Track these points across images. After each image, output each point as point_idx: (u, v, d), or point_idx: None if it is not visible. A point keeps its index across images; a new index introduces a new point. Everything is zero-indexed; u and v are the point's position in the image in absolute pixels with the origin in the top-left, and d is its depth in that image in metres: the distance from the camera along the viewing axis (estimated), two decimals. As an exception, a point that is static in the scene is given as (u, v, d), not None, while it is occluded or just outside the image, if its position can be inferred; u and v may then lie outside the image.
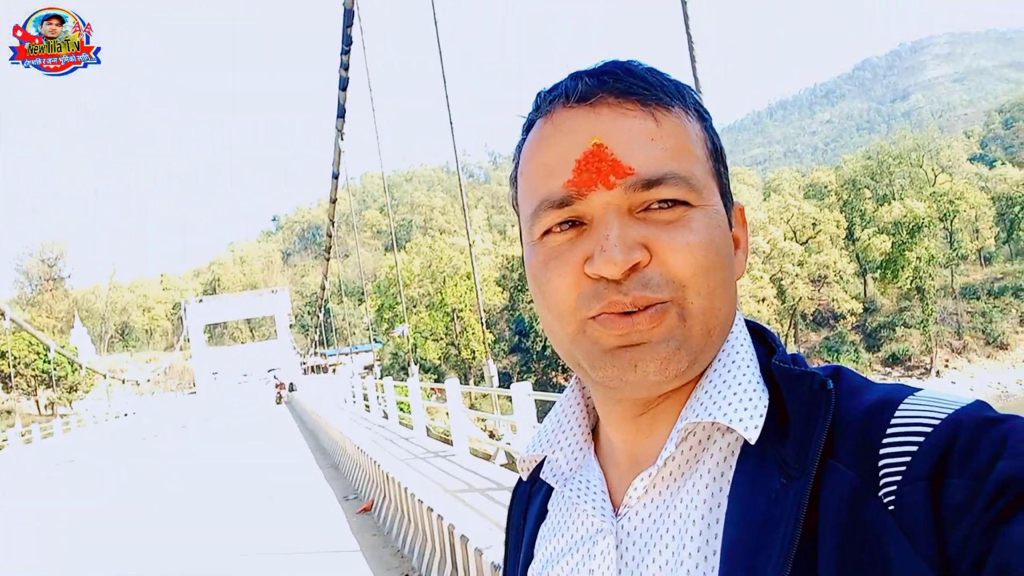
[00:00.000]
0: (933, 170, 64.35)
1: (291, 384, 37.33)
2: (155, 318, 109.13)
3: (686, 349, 0.53)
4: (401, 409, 14.36)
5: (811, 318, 57.61)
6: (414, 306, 58.70)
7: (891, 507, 0.45)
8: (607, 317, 0.53)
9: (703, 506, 0.53)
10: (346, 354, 61.78)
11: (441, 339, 60.21)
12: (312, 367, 62.53)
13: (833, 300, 56.81)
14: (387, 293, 60.68)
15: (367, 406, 18.13)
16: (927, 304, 55.10)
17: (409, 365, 14.38)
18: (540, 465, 0.68)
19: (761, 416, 0.53)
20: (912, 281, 55.59)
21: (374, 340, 45.12)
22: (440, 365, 59.19)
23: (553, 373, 59.86)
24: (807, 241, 57.23)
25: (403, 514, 7.01)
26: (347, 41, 16.37)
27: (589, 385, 0.59)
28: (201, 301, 75.32)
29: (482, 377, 54.40)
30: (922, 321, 54.46)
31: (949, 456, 0.45)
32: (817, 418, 0.50)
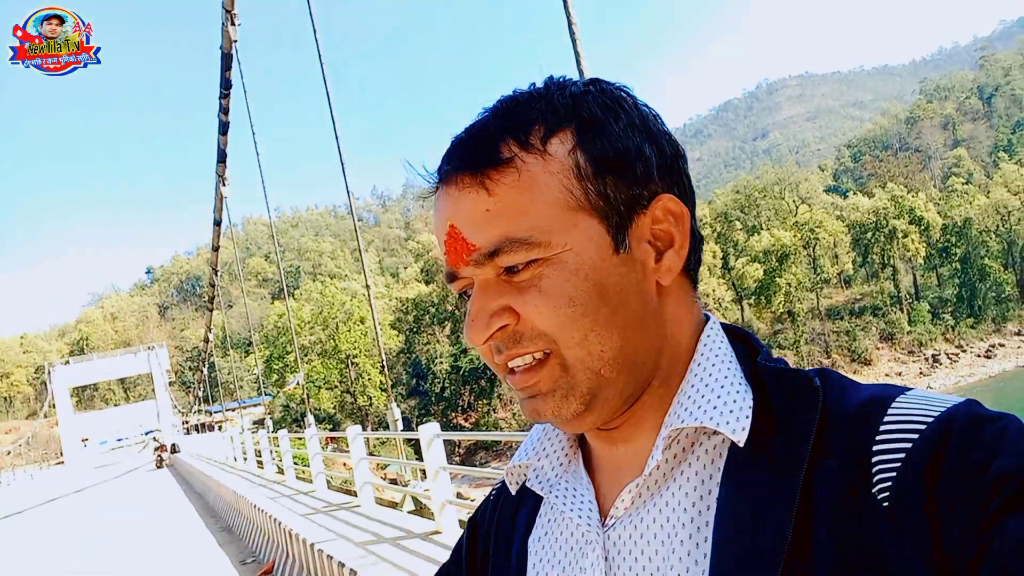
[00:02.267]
0: (794, 201, 69.71)
1: (173, 445, 35.08)
2: (15, 384, 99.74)
3: (574, 395, 0.55)
4: (297, 463, 13.71)
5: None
6: (306, 355, 56.84)
7: (885, 504, 0.45)
8: (507, 373, 0.57)
9: (692, 509, 0.53)
10: (233, 409, 58.72)
11: (335, 387, 58.52)
12: (196, 425, 58.88)
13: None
14: (276, 343, 58.50)
15: (259, 462, 17.26)
16: (798, 326, 59.14)
17: (305, 415, 13.82)
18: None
19: (747, 417, 0.53)
20: (784, 305, 59.53)
21: (263, 393, 43.15)
22: (336, 414, 57.37)
23: (453, 415, 59.34)
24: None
25: (309, 572, 6.66)
26: (225, 85, 15.97)
27: None
28: (67, 363, 69.57)
29: (380, 423, 53.13)
30: (794, 342, 58.29)
31: (944, 454, 0.45)
32: (805, 415, 0.51)
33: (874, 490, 0.46)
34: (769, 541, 0.47)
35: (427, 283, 70.04)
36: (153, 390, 74.69)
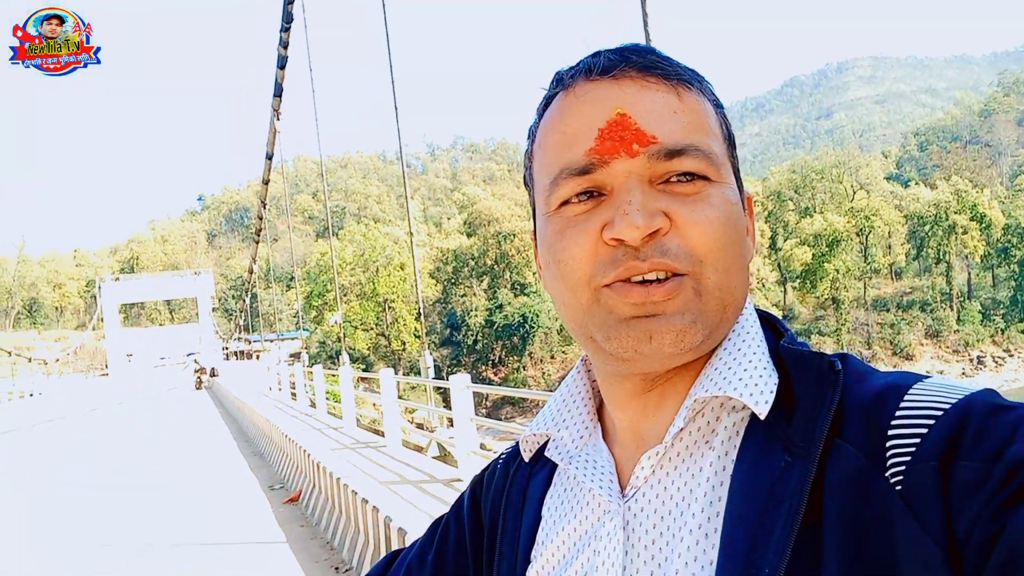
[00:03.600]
0: (852, 186, 67.56)
1: (212, 369, 36.07)
2: (66, 295, 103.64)
3: (701, 323, 0.53)
4: (328, 399, 14.09)
5: (734, 323, 59.43)
6: (344, 295, 57.75)
7: (898, 487, 0.45)
8: (622, 285, 0.53)
9: (706, 484, 0.53)
10: (271, 341, 60.18)
11: (371, 329, 59.43)
12: (235, 352, 60.58)
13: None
14: (317, 280, 59.41)
15: (293, 394, 17.70)
16: (841, 314, 57.83)
17: (341, 353, 14.09)
18: (543, 447, 0.68)
19: (771, 392, 0.53)
20: (829, 292, 58.24)
21: (301, 328, 44.05)
22: (369, 355, 58.36)
23: (483, 367, 59.92)
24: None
25: (334, 505, 6.86)
26: (287, 18, 15.92)
27: (598, 361, 0.60)
28: (118, 279, 71.94)
29: (412, 369, 53.97)
30: (836, 330, 57.15)
31: (959, 439, 0.45)
32: (824, 397, 0.51)
33: (887, 473, 0.46)
34: (780, 519, 0.48)
35: (469, 236, 70.14)
36: (197, 314, 76.90)
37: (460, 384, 6.53)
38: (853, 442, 0.48)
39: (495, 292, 63.32)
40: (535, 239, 0.61)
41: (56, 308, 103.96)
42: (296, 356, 35.58)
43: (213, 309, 75.70)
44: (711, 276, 0.53)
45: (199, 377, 35.51)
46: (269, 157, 22.71)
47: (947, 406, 0.47)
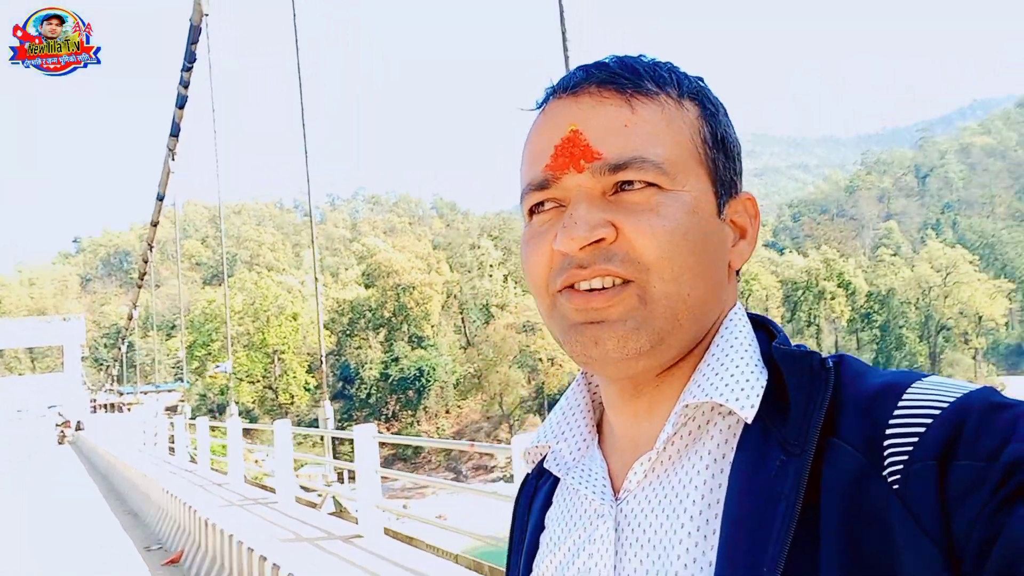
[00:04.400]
0: (735, 252, 71.79)
1: (78, 422, 33.36)
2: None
3: (645, 330, 0.54)
4: (212, 454, 13.35)
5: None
6: (221, 347, 55.25)
7: (895, 486, 0.45)
8: (570, 292, 0.56)
9: (703, 487, 0.54)
10: (145, 392, 56.38)
11: (257, 382, 56.91)
12: (105, 405, 56.20)
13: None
14: (202, 329, 56.60)
15: (172, 448, 16.61)
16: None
17: (229, 405, 13.50)
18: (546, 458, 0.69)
19: (758, 396, 0.54)
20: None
21: (179, 379, 41.65)
22: (254, 409, 55.70)
23: (376, 422, 58.20)
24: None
25: (223, 565, 6.43)
26: (190, 58, 15.59)
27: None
28: (-26, 324, 65.68)
29: (300, 423, 51.84)
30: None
31: (957, 438, 0.45)
32: (816, 395, 0.51)
33: (885, 473, 0.46)
34: (778, 518, 0.48)
35: (367, 287, 69.08)
36: (62, 363, 70.97)
37: (366, 435, 6.37)
38: (850, 441, 0.48)
39: (391, 345, 62.30)
40: None
41: None
42: (173, 409, 33.49)
43: (83, 358, 70.21)
44: (657, 284, 0.54)
45: (62, 431, 32.75)
46: (160, 198, 21.83)
47: (945, 405, 0.47)
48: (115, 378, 58.85)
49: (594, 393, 0.68)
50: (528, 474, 0.74)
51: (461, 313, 70.39)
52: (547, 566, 0.64)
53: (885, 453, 0.47)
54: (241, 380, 55.38)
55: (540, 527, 0.67)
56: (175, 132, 18.15)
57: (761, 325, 0.62)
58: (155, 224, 24.31)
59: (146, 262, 27.91)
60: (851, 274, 66.13)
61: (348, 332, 65.42)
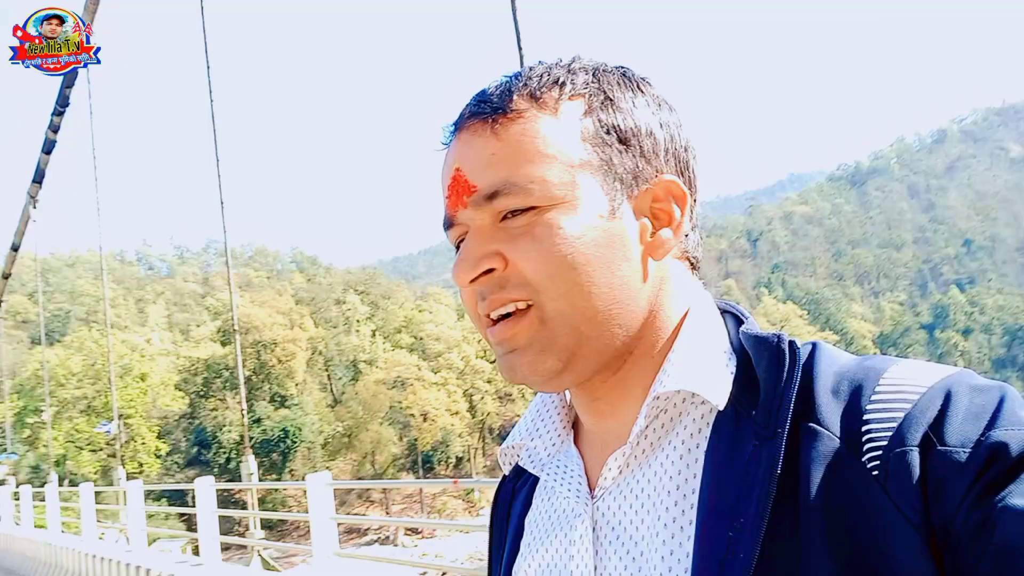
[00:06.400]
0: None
1: None
2: None
3: (551, 351, 0.55)
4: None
5: (498, 431, 61.75)
6: (66, 410, 50.58)
7: (875, 472, 0.45)
8: (490, 325, 0.58)
9: (677, 476, 0.54)
10: (-41, 468, 50.17)
11: (100, 450, 52.19)
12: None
13: (517, 416, 61.86)
14: (32, 394, 51.41)
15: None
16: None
17: (64, 477, 12.82)
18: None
19: (728, 382, 0.54)
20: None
21: (3, 451, 37.50)
22: (97, 480, 50.88)
23: (236, 490, 54.99)
24: (495, 360, 62.49)
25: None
26: (63, 102, 15.10)
27: None
28: None
29: (150, 493, 47.92)
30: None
31: (936, 423, 0.45)
32: (782, 376, 0.51)
33: (864, 458, 0.46)
34: (753, 504, 0.47)
35: (223, 344, 65.74)
36: None
37: (319, 482, 6.57)
38: (827, 425, 0.48)
39: (252, 405, 59.39)
40: None
41: None
42: (2, 483, 30.11)
43: None
44: (549, 304, 0.55)
45: None
46: (15, 248, 20.32)
47: (924, 389, 0.47)
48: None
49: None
50: (504, 476, 0.73)
51: (327, 370, 68.51)
52: (527, 570, 0.63)
53: (864, 438, 0.46)
54: (81, 449, 50.75)
55: (520, 531, 0.67)
56: (39, 178, 17.27)
57: (728, 311, 0.62)
58: (7, 276, 22.46)
59: (-8, 317, 25.41)
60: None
61: (203, 393, 61.69)
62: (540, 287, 0.54)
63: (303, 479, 6.36)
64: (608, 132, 0.58)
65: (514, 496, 0.71)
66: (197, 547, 6.89)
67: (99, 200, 14.21)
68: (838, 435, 0.47)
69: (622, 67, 0.62)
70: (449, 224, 0.60)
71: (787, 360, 0.52)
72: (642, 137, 0.59)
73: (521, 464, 0.67)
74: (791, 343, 0.53)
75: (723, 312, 0.62)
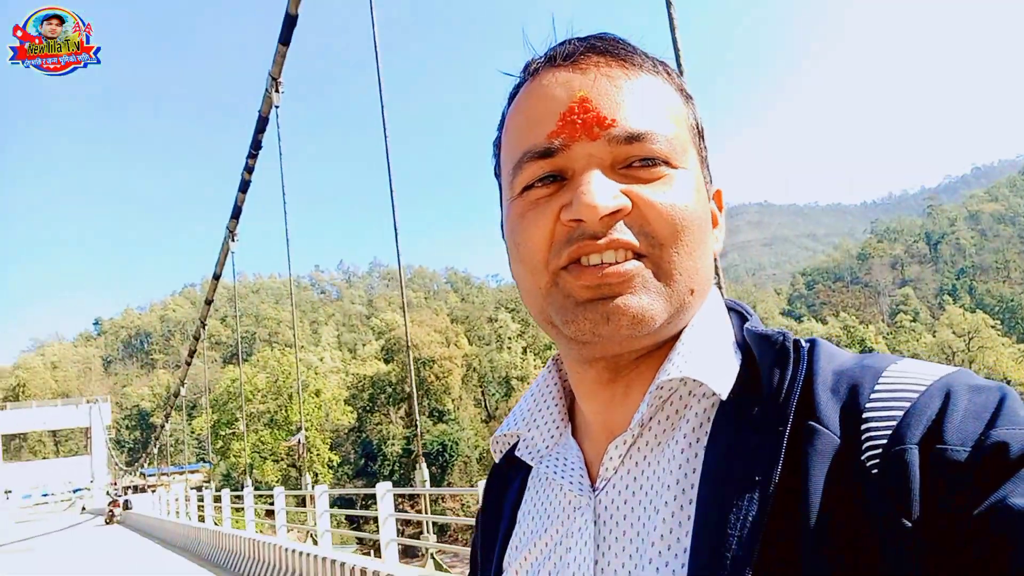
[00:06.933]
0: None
1: (126, 502, 33.63)
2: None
3: (660, 305, 0.53)
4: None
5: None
6: (252, 423, 55.41)
7: (874, 470, 0.45)
8: (577, 267, 0.53)
9: (678, 471, 0.53)
10: (167, 474, 56.34)
11: (281, 460, 56.70)
12: (128, 487, 56.15)
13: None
14: (224, 408, 56.87)
15: (201, 517, 17.27)
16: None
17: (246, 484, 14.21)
18: (515, 446, 0.67)
19: (732, 374, 0.53)
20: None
21: (202, 460, 41.75)
22: (277, 487, 55.37)
23: (400, 500, 57.73)
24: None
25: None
26: (256, 146, 16.79)
27: (562, 348, 0.59)
28: (4, 407, 66.33)
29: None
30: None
31: (936, 422, 0.44)
32: (786, 373, 0.51)
33: (864, 456, 0.45)
34: (753, 500, 0.47)
35: (387, 362, 69.51)
36: (85, 446, 70.90)
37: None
38: (827, 423, 0.48)
39: (412, 420, 62.18)
40: (503, 230, 0.61)
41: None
42: (199, 489, 33.58)
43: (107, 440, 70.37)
44: (671, 259, 0.53)
45: (111, 511, 32.82)
46: (216, 277, 22.90)
47: (923, 388, 0.46)
48: (154, 457, 58.93)
49: (565, 380, 0.66)
50: (496, 464, 0.72)
51: (481, 386, 70.43)
52: (522, 563, 0.62)
53: (863, 436, 0.46)
54: (265, 459, 55.29)
55: (512, 523, 0.65)
56: (236, 215, 19.23)
57: (734, 309, 0.62)
58: (209, 302, 25.39)
59: (197, 339, 28.81)
60: (872, 340, 66.15)
61: (368, 408, 65.46)
62: (666, 240, 0.52)
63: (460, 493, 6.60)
64: (698, 124, 0.59)
65: (506, 486, 0.69)
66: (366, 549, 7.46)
67: (288, 233, 15.33)
68: (838, 433, 0.47)
69: None
70: (548, 154, 0.54)
71: (791, 358, 0.52)
72: (705, 142, 0.60)
73: (518, 455, 0.65)
74: (795, 341, 0.53)
75: (729, 310, 0.61)
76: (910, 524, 0.42)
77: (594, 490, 0.58)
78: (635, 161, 0.53)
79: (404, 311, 9.19)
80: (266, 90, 14.82)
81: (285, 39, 12.74)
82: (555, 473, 0.60)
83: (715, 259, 0.60)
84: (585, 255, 0.52)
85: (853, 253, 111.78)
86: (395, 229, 10.28)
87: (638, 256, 0.52)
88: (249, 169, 17.46)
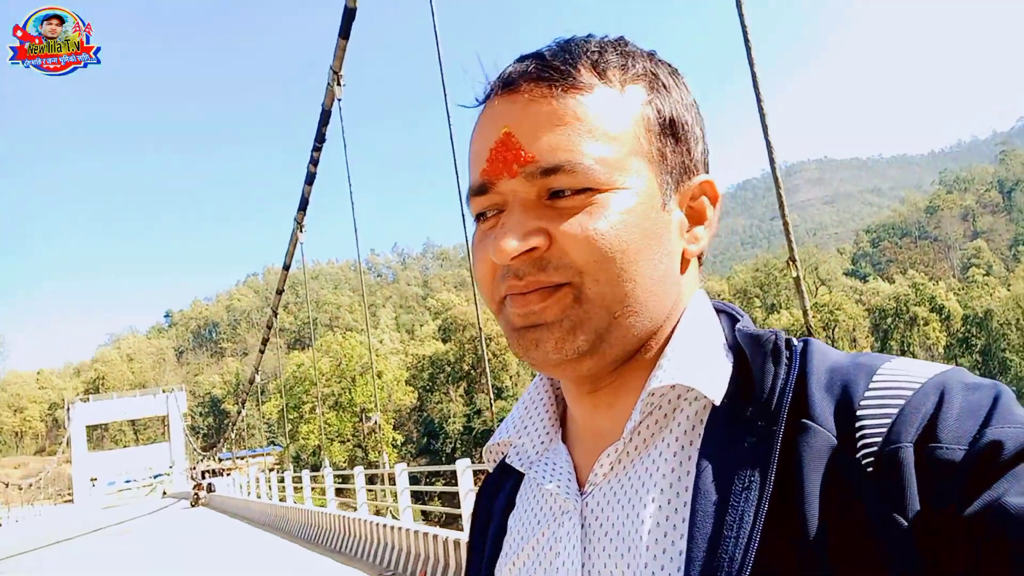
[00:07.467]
0: (814, 282, 70.18)
1: (210, 484, 35.32)
2: (28, 419, 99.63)
3: (582, 330, 0.53)
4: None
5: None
6: (312, 409, 57.01)
7: (869, 468, 0.45)
8: (512, 297, 0.55)
9: (671, 474, 0.53)
10: (242, 457, 58.65)
11: (347, 441, 58.27)
12: (204, 471, 58.72)
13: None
14: (292, 392, 58.65)
15: (283, 498, 17.81)
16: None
17: (323, 463, 15.40)
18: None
19: (725, 378, 0.54)
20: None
21: (272, 443, 43.18)
22: (346, 468, 56.98)
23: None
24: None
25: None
26: (320, 139, 16.96)
27: None
28: (87, 400, 70.06)
29: (390, 479, 52.63)
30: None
31: (931, 420, 0.45)
32: (779, 372, 0.51)
33: (859, 455, 0.45)
34: (749, 502, 0.47)
35: (444, 341, 70.38)
36: (163, 433, 74.43)
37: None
38: (822, 422, 0.48)
39: (472, 397, 62.97)
40: None
41: (15, 433, 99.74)
42: (271, 471, 34.83)
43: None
44: (592, 286, 0.53)
45: (196, 494, 34.52)
46: (286, 268, 23.39)
47: (917, 386, 0.47)
48: (231, 442, 61.45)
49: (557, 387, 0.67)
50: (489, 474, 0.72)
51: (538, 362, 70.73)
52: (511, 568, 0.62)
53: (857, 434, 0.46)
54: (332, 440, 56.89)
55: (502, 531, 0.65)
56: (303, 206, 19.55)
57: (723, 310, 0.61)
58: (280, 292, 26.36)
59: (270, 327, 29.91)
60: (943, 297, 63.45)
61: (429, 388, 66.54)
62: (585, 271, 0.53)
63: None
64: (665, 124, 0.57)
65: (496, 494, 0.70)
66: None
67: (356, 222, 15.24)
68: (833, 432, 0.47)
69: (659, 56, 0.60)
70: (482, 190, 0.56)
71: (783, 357, 0.52)
72: (689, 134, 0.58)
73: (508, 461, 0.66)
74: (788, 340, 0.53)
75: (718, 312, 0.61)
76: (906, 523, 0.42)
77: (582, 494, 0.58)
78: (557, 192, 0.53)
79: (476, 301, 9.21)
80: (328, 84, 14.79)
81: (345, 33, 12.61)
82: (543, 478, 0.61)
83: (699, 258, 0.60)
84: (514, 292, 0.55)
85: (920, 206, 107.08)
86: (462, 209, 10.22)
87: (564, 285, 0.53)
88: (314, 162, 17.55)
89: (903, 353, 63.98)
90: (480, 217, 0.58)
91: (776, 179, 6.00)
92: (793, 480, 0.46)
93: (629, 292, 0.54)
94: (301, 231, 19.42)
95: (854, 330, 64.95)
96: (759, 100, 5.52)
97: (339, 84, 13.71)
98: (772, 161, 5.91)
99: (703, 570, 0.47)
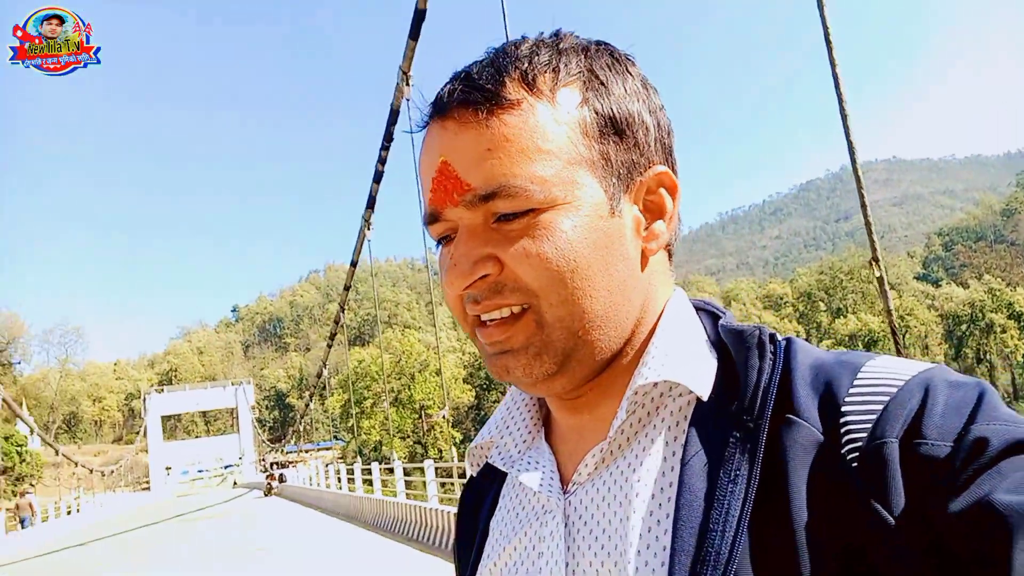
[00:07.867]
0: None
1: (281, 475, 36.53)
2: (106, 409, 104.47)
3: (548, 354, 0.53)
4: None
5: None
6: (378, 403, 58.13)
7: (854, 464, 0.45)
8: (479, 326, 0.55)
9: (655, 470, 0.53)
10: (308, 451, 60.30)
11: (407, 437, 59.23)
12: (273, 463, 60.66)
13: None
14: (353, 388, 59.99)
15: (352, 488, 18.44)
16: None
17: (392, 455, 15.69)
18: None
19: (710, 373, 0.54)
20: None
21: (336, 437, 44.24)
22: (406, 464, 57.79)
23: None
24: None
25: None
26: (388, 138, 17.32)
27: None
28: (162, 391, 73.21)
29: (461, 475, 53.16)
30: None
31: (916, 417, 0.45)
32: (764, 368, 0.51)
33: (844, 450, 0.46)
34: (735, 495, 0.47)
35: (502, 341, 70.76)
36: (232, 425, 77.15)
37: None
38: (807, 417, 0.48)
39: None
40: None
41: (94, 422, 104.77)
42: (337, 463, 35.78)
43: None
44: (548, 310, 0.53)
45: (269, 483, 35.71)
46: (353, 264, 24.05)
47: (902, 383, 0.47)
48: (281, 437, 63.33)
49: None
50: (472, 476, 0.71)
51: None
52: (491, 570, 0.62)
53: (843, 430, 0.46)
54: (393, 436, 57.97)
55: (485, 534, 0.65)
56: (371, 204, 20.07)
57: (704, 308, 0.61)
58: (348, 288, 27.01)
59: (338, 323, 30.81)
60: (1022, 304, 60.72)
61: (485, 386, 67.13)
62: (539, 292, 0.52)
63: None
64: (605, 124, 0.55)
65: (481, 497, 0.69)
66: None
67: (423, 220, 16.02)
68: (818, 428, 0.47)
69: (608, 45, 0.59)
70: (434, 219, 0.56)
71: (768, 352, 0.52)
72: (635, 126, 0.56)
73: (491, 462, 0.65)
74: (772, 335, 0.53)
75: (699, 310, 0.61)
76: (891, 518, 0.43)
77: (565, 493, 0.58)
78: (500, 216, 0.53)
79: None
80: (397, 84, 15.19)
81: (414, 34, 12.85)
82: (526, 477, 0.60)
83: (668, 250, 0.60)
84: (478, 315, 0.55)
85: (996, 209, 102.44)
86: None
87: (525, 308, 0.53)
88: (382, 160, 17.79)
89: (979, 362, 61.54)
90: (442, 241, 0.57)
91: (858, 178, 6.13)
92: (778, 474, 0.47)
93: (588, 308, 0.53)
94: (369, 228, 19.80)
95: (926, 336, 62.80)
96: (840, 101, 5.65)
97: (408, 84, 14.06)
98: (854, 161, 6.04)
99: (689, 564, 0.47)
